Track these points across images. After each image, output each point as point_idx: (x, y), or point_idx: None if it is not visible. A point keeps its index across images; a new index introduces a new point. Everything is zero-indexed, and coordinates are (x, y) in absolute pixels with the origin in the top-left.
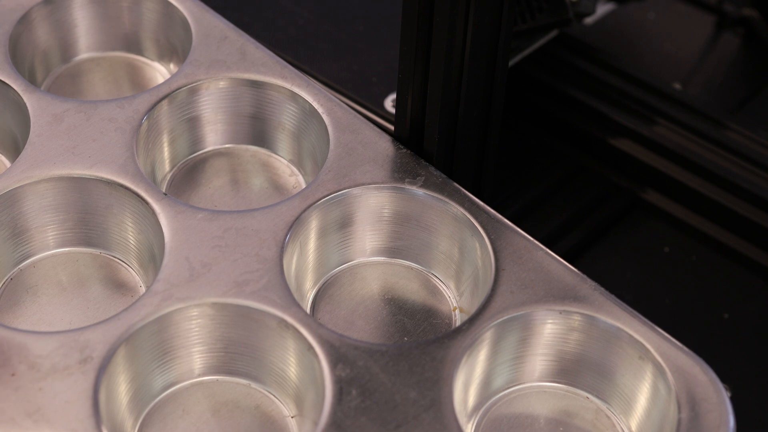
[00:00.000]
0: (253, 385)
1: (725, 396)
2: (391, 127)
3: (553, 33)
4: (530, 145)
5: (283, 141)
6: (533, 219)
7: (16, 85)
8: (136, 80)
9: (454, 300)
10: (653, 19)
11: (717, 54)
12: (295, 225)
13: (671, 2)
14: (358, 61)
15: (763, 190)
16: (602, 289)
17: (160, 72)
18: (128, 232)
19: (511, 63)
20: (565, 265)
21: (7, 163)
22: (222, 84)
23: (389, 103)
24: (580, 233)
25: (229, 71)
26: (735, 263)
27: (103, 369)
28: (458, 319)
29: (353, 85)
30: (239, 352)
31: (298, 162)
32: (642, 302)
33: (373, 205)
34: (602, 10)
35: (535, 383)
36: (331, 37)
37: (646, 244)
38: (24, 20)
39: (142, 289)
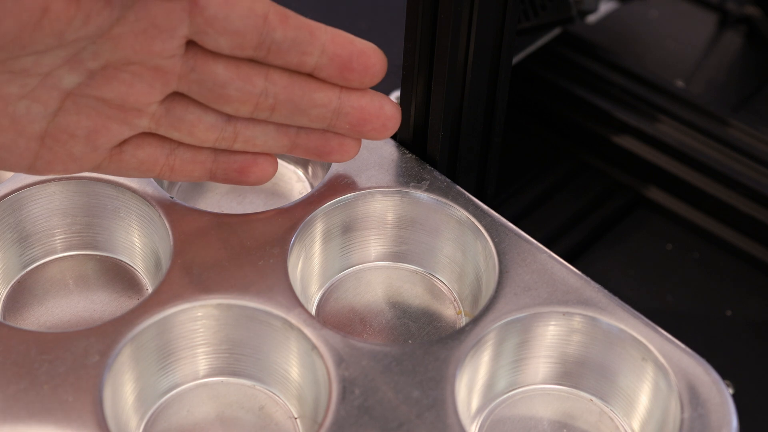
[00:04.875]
0: (258, 386)
1: (728, 396)
2: None
3: (556, 31)
4: (533, 142)
5: None
6: (536, 216)
7: None
8: None
9: (459, 303)
10: (656, 17)
11: (720, 52)
12: (301, 228)
13: (673, 1)
14: None
15: (766, 187)
16: (605, 291)
17: None
18: (134, 236)
19: (514, 61)
20: (569, 268)
21: None
22: None
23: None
24: (583, 230)
25: None
26: (738, 260)
27: (108, 369)
28: (462, 323)
29: None
30: (244, 353)
31: (304, 168)
32: (644, 299)
33: (378, 210)
34: (605, 8)
35: (539, 385)
36: None
37: (648, 241)
38: None
39: (149, 292)
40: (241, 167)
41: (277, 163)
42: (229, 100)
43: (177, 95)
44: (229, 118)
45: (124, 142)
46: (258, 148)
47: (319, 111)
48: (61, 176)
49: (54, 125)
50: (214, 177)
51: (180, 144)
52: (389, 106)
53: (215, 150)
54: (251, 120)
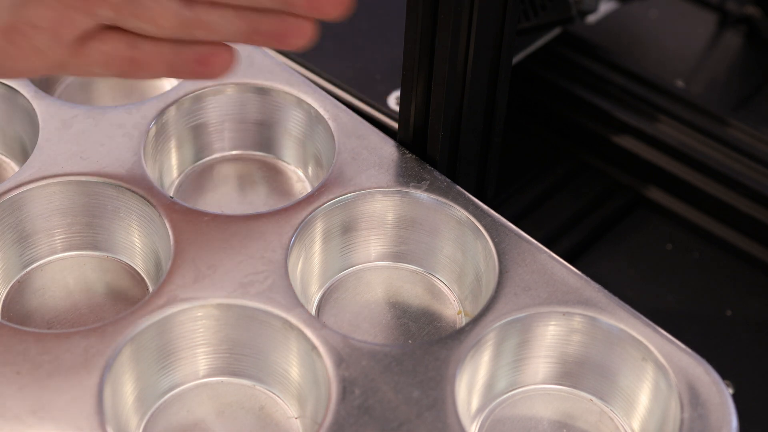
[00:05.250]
0: (258, 386)
1: (728, 396)
2: (395, 125)
3: (556, 31)
4: (533, 142)
5: (290, 147)
6: (536, 216)
7: (26, 91)
8: (145, 90)
9: (458, 303)
10: (656, 17)
11: (719, 52)
12: (301, 228)
13: (673, 1)
14: (361, 58)
15: (766, 187)
16: (605, 291)
17: (168, 81)
18: (135, 236)
19: (514, 61)
20: (569, 268)
21: (16, 168)
22: (229, 91)
23: (393, 101)
24: (583, 230)
25: (236, 78)
26: (737, 260)
27: (108, 368)
28: (462, 323)
29: (357, 82)
30: (244, 353)
31: (304, 168)
32: (644, 299)
33: (378, 210)
34: (605, 8)
35: (539, 385)
36: (334, 34)
37: (648, 242)
38: None
39: (149, 293)
40: (201, 58)
41: (236, 54)
42: None
43: None
44: (189, 3)
45: (87, 35)
46: (218, 34)
47: None
48: (61, 176)
49: (17, 18)
50: (175, 71)
51: (141, 37)
52: None
53: (176, 43)
54: (210, 4)
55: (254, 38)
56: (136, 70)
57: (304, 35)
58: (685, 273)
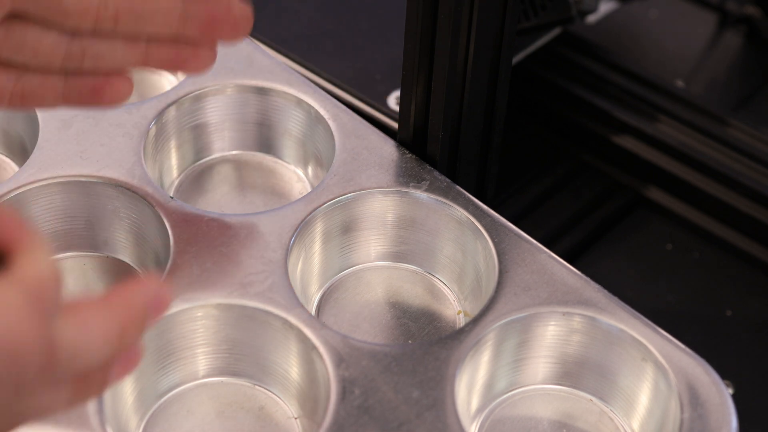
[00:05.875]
0: (258, 386)
1: (728, 397)
2: (395, 125)
3: (556, 31)
4: (532, 142)
5: (290, 147)
6: (536, 216)
7: None
8: (146, 90)
9: (458, 303)
10: (656, 17)
11: (719, 52)
12: (300, 228)
13: (673, 1)
14: (361, 58)
15: (766, 187)
16: (605, 291)
17: (168, 81)
18: (135, 236)
19: (514, 61)
20: (568, 268)
21: (16, 168)
22: (229, 91)
23: (393, 101)
24: (582, 230)
25: (236, 78)
26: (737, 260)
27: None
28: (462, 323)
29: (357, 82)
30: (243, 353)
31: (304, 168)
32: (644, 299)
33: (378, 210)
34: (605, 8)
35: (539, 385)
36: (334, 34)
37: (648, 242)
38: None
39: None
40: (93, 87)
41: (132, 83)
42: (68, 15)
43: (15, 17)
44: (74, 34)
45: None
46: (109, 65)
47: (164, 18)
48: (61, 176)
49: None
50: (68, 101)
51: (27, 69)
52: (237, 7)
53: (65, 73)
54: (97, 35)
55: (150, 64)
56: (26, 103)
57: (202, 62)
58: (685, 273)
